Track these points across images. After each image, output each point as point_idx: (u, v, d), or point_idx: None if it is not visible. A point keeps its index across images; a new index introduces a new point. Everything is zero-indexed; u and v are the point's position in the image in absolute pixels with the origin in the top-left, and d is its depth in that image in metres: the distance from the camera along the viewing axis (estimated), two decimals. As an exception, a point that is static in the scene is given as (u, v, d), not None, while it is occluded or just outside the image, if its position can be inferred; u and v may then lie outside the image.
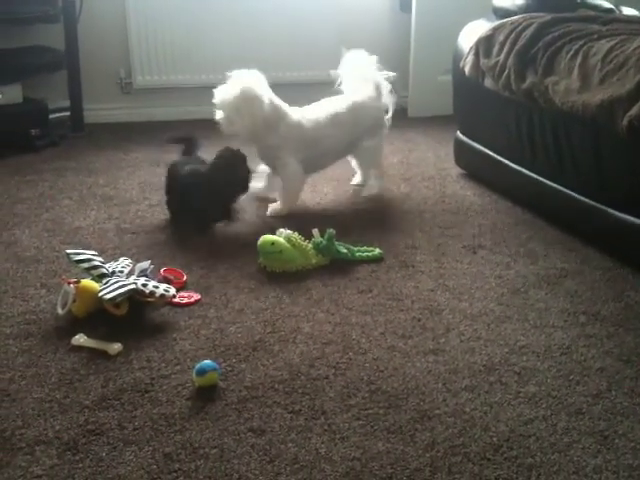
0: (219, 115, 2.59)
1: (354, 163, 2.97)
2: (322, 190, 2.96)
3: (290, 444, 1.44)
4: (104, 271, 1.96)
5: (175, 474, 1.36)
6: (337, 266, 2.23)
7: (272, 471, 1.37)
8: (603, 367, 1.71)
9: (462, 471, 1.37)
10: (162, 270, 2.12)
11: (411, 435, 1.47)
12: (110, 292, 1.85)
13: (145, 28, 3.88)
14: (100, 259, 2.01)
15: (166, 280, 2.07)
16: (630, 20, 2.69)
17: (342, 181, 3.06)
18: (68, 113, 3.75)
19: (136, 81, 3.96)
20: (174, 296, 1.96)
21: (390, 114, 2.92)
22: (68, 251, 2.01)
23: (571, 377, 1.67)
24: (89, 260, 1.98)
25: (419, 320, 1.92)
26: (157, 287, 1.93)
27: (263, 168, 2.77)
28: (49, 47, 3.58)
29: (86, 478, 1.34)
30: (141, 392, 1.60)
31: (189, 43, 3.95)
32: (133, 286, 1.88)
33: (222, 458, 1.40)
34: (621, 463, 1.39)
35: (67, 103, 3.73)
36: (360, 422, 1.50)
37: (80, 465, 1.38)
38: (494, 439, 1.46)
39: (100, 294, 1.85)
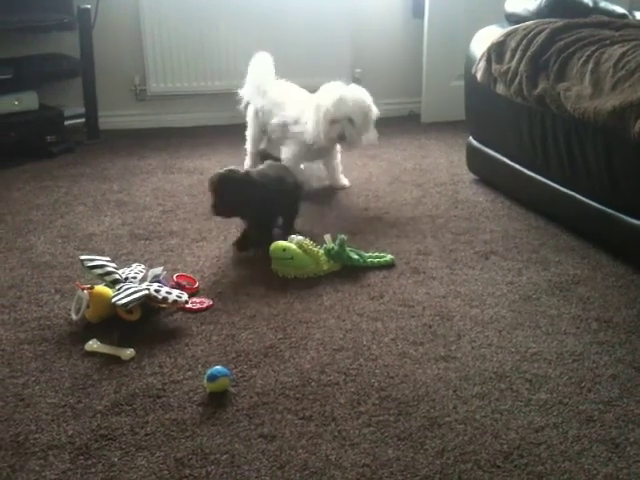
0: (340, 127, 2.76)
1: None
2: (333, 196, 2.97)
3: (300, 450, 1.44)
4: (117, 277, 1.98)
5: (186, 479, 1.37)
6: (348, 272, 2.24)
7: (282, 477, 1.37)
8: (615, 374, 1.70)
9: (472, 478, 1.37)
10: (175, 276, 2.14)
11: (421, 442, 1.47)
12: (123, 298, 1.86)
13: (159, 35, 3.91)
14: (113, 265, 2.03)
15: (179, 286, 2.09)
16: (643, 25, 2.68)
17: (354, 186, 3.07)
18: (83, 120, 3.78)
19: (150, 88, 4.00)
20: (186, 302, 1.97)
21: None
22: (82, 257, 2.03)
23: (583, 384, 1.67)
24: (102, 266, 1.99)
25: (430, 327, 1.92)
26: (170, 293, 1.94)
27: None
28: (65, 54, 3.62)
29: (98, 483, 1.36)
30: (153, 397, 1.61)
31: (203, 50, 3.98)
32: (146, 292, 1.90)
33: (233, 464, 1.41)
34: (633, 472, 1.39)
35: (82, 110, 3.76)
36: (370, 429, 1.51)
37: (92, 470, 1.39)
38: (504, 447, 1.46)
39: (113, 300, 1.87)
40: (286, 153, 2.95)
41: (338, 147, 3.01)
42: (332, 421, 1.53)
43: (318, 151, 2.94)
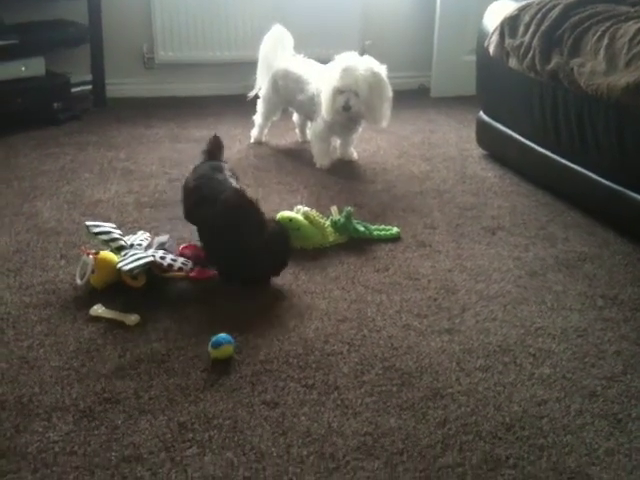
0: (345, 98, 2.69)
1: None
2: (341, 168, 2.95)
3: (303, 417, 1.45)
4: (122, 243, 1.98)
5: (189, 443, 1.38)
6: (354, 244, 2.23)
7: (284, 443, 1.38)
8: (619, 350, 1.70)
9: (473, 449, 1.37)
10: (180, 247, 2.14)
11: (423, 412, 1.47)
12: (128, 264, 1.86)
13: (169, 3, 3.86)
14: (119, 232, 2.02)
15: (184, 257, 2.08)
16: (660, 1, 2.63)
17: (361, 159, 3.05)
18: (90, 87, 3.76)
19: (158, 56, 3.96)
20: (191, 270, 1.97)
21: None
22: (87, 223, 2.03)
23: (586, 360, 1.66)
24: (108, 232, 1.99)
25: (435, 300, 1.92)
26: (175, 260, 1.95)
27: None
28: (72, 21, 3.58)
29: (101, 445, 1.37)
30: (157, 363, 1.62)
31: (212, 19, 3.93)
32: (151, 258, 1.90)
33: (235, 429, 1.41)
34: (634, 446, 1.39)
35: (89, 77, 3.74)
36: (373, 398, 1.51)
37: (96, 432, 1.40)
38: (506, 419, 1.46)
39: (118, 265, 1.87)
40: (314, 128, 2.92)
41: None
42: (335, 390, 1.54)
43: (345, 125, 2.87)
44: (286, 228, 2.02)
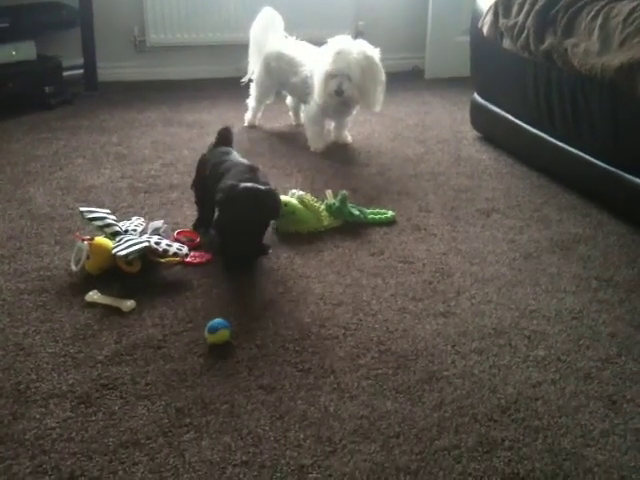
0: (338, 82, 2.68)
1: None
2: (335, 151, 2.94)
3: (299, 401, 1.46)
4: (117, 229, 1.97)
5: (186, 428, 1.38)
6: (349, 228, 2.23)
7: (281, 427, 1.39)
8: (614, 332, 1.71)
9: (469, 431, 1.38)
10: (175, 232, 2.13)
11: (419, 395, 1.48)
12: (124, 249, 1.86)
13: (159, -15, 3.83)
14: (113, 217, 2.02)
15: (179, 242, 2.08)
16: (654, -20, 2.62)
17: (355, 142, 3.04)
18: (82, 71, 3.73)
19: (150, 39, 3.93)
20: (187, 255, 1.97)
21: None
22: (81, 209, 2.02)
23: (581, 342, 1.67)
24: (102, 218, 1.98)
25: (430, 283, 1.92)
26: (170, 246, 1.94)
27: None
28: (63, 4, 3.55)
29: (99, 431, 1.37)
30: (154, 348, 1.62)
31: (203, 1, 3.90)
32: (146, 244, 1.89)
33: (232, 414, 1.42)
34: (628, 428, 1.40)
35: (81, 61, 3.71)
36: (369, 381, 1.52)
37: (93, 418, 1.40)
38: (502, 401, 1.47)
39: (114, 251, 1.87)
40: (307, 111, 2.91)
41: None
42: (331, 374, 1.54)
43: (338, 109, 2.86)
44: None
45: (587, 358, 1.61)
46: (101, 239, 1.94)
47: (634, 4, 2.21)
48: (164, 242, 1.94)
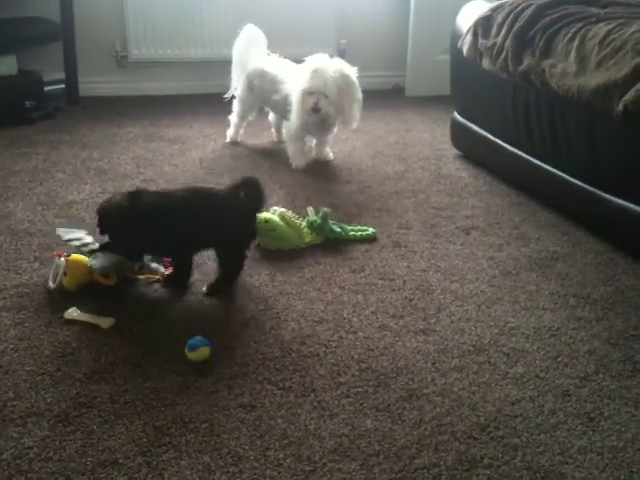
0: (314, 100, 2.70)
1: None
2: (317, 168, 2.95)
3: (280, 420, 1.45)
4: (94, 247, 1.96)
5: (165, 447, 1.37)
6: (330, 245, 2.24)
7: (261, 446, 1.38)
8: (591, 350, 1.73)
9: (448, 449, 1.39)
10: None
11: (399, 413, 1.48)
12: (100, 262, 1.86)
13: (141, 1, 3.84)
14: (90, 237, 2.01)
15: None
16: (629, 3, 2.66)
17: (336, 159, 3.06)
18: (63, 86, 3.72)
19: (132, 54, 3.93)
20: (163, 274, 1.96)
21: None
22: (58, 231, 2.02)
23: (559, 359, 1.69)
24: (79, 239, 1.99)
25: (410, 300, 1.93)
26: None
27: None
28: (44, 18, 3.54)
29: (77, 450, 1.36)
30: (133, 366, 1.61)
31: (186, 17, 3.91)
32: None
33: (212, 432, 1.41)
34: (606, 445, 1.41)
35: (62, 75, 3.70)
36: (349, 400, 1.52)
37: (71, 437, 1.39)
38: (481, 419, 1.48)
39: (90, 264, 1.86)
40: (288, 128, 2.92)
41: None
42: (312, 392, 1.54)
43: (318, 126, 2.88)
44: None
45: (565, 375, 1.63)
46: (78, 256, 1.93)
47: (610, 27, 2.26)
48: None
